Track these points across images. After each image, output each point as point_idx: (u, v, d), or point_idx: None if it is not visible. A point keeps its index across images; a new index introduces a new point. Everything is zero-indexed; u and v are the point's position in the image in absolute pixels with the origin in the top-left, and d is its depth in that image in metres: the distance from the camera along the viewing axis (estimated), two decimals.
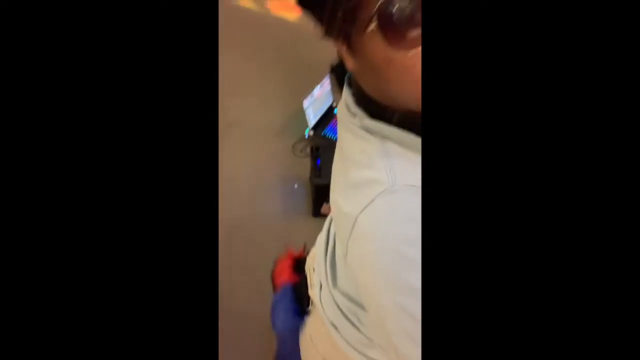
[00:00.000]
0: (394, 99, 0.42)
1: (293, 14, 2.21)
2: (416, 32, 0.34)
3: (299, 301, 0.73)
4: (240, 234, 1.50)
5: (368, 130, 0.46)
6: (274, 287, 0.84)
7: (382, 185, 0.41)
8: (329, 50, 0.44)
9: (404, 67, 0.36)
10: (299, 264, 0.83)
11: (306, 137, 1.66)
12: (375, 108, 0.45)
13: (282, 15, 2.29)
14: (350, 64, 0.42)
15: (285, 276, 0.81)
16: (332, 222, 0.58)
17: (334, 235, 0.58)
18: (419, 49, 0.34)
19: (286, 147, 1.72)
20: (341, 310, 0.57)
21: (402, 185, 0.41)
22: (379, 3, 0.33)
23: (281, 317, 0.74)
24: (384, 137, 0.45)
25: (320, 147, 1.50)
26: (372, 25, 0.35)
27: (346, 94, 0.50)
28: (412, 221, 0.38)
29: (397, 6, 0.33)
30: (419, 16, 0.33)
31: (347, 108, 0.49)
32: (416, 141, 0.44)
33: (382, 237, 0.40)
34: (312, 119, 1.63)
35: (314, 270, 0.66)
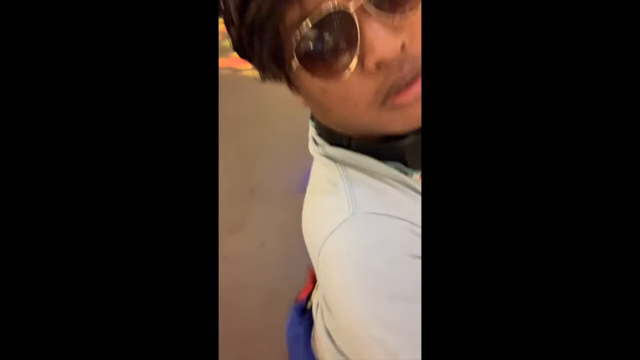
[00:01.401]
0: (343, 126, 0.43)
1: None
2: (338, 61, 0.35)
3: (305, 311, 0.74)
4: (275, 298, 1.47)
5: (330, 157, 0.47)
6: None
7: (343, 214, 0.41)
8: None
9: (338, 95, 0.37)
10: None
11: None
12: (334, 136, 0.47)
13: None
14: (299, 100, 0.44)
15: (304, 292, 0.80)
16: None
17: None
18: (348, 74, 0.34)
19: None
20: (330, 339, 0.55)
21: (363, 213, 0.41)
22: (294, 43, 0.34)
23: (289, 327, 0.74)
24: (345, 163, 0.46)
25: None
26: (294, 64, 0.36)
27: (311, 127, 0.52)
28: (374, 251, 0.39)
29: (311, 43, 0.34)
30: (336, 46, 0.34)
31: (312, 139, 0.51)
32: (375, 165, 0.45)
33: (345, 269, 0.40)
34: None
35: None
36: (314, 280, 0.84)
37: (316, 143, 0.50)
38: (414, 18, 0.33)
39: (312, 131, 0.52)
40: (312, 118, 0.53)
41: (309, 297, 0.74)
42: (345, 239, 0.40)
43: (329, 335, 0.51)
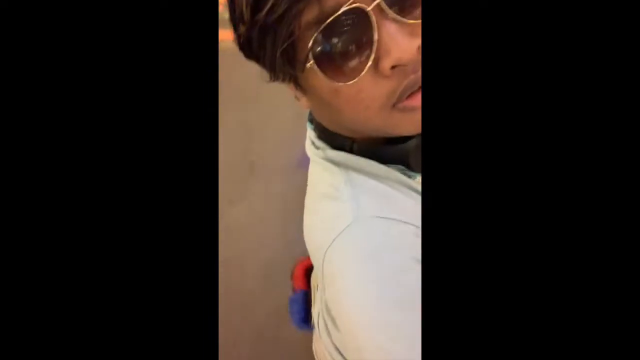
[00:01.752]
0: (350, 129, 0.42)
1: None
2: (353, 62, 0.34)
3: (308, 310, 0.74)
4: (274, 269, 1.49)
5: (332, 161, 0.46)
6: (292, 288, 0.85)
7: (347, 219, 0.40)
8: None
9: (351, 96, 0.36)
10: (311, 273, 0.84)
11: None
12: (336, 139, 0.46)
13: None
14: (303, 102, 0.43)
15: (299, 282, 0.82)
16: None
17: None
18: (362, 75, 0.34)
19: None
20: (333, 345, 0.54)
21: (367, 217, 0.40)
22: (310, 43, 0.34)
23: (295, 319, 0.76)
24: (348, 167, 0.44)
25: None
26: (310, 64, 0.35)
27: (309, 129, 0.51)
28: (379, 256, 0.38)
29: (328, 43, 0.34)
30: (352, 47, 0.34)
31: (311, 142, 0.49)
32: (379, 168, 0.43)
33: (350, 275, 0.38)
34: None
35: (317, 289, 0.64)
36: (305, 274, 0.85)
37: (316, 146, 0.48)
38: None
39: (310, 134, 0.50)
40: (311, 120, 0.51)
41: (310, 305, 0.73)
42: (350, 244, 0.39)
43: (339, 352, 0.50)
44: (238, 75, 2.02)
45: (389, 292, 0.36)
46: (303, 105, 0.44)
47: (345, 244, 0.39)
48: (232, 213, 1.61)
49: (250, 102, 1.97)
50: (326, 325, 0.51)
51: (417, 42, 0.33)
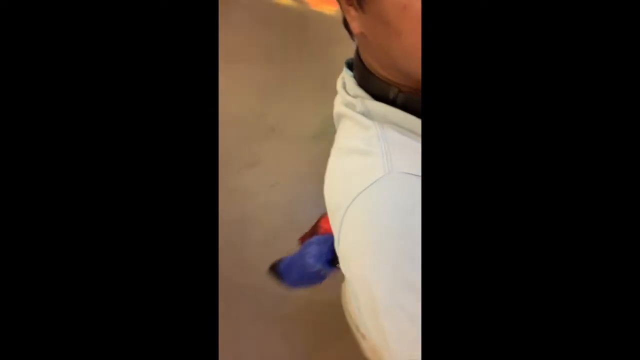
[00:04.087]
0: (403, 67, 0.39)
1: (331, 7, 2.18)
2: None
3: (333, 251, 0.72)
4: (282, 233, 1.51)
5: (368, 114, 0.42)
6: (318, 229, 0.84)
7: (377, 173, 0.38)
8: None
9: (419, 15, 0.33)
10: None
11: None
12: (379, 87, 0.42)
13: (320, 9, 2.26)
14: (357, 25, 0.39)
15: (326, 224, 0.79)
16: None
17: None
18: None
19: (325, 149, 1.71)
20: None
21: (399, 173, 0.38)
22: None
23: (314, 255, 0.74)
24: (384, 122, 0.41)
25: None
26: None
27: (347, 77, 0.47)
28: (407, 212, 0.35)
29: None
30: None
31: (346, 93, 0.46)
32: (418, 124, 0.40)
33: (375, 228, 0.36)
34: None
35: None
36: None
37: (352, 95, 0.45)
38: None
39: (348, 81, 0.46)
40: (350, 67, 0.47)
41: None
42: (377, 198, 0.37)
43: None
44: (263, 35, 1.99)
45: (414, 249, 0.34)
46: (354, 28, 0.40)
47: (372, 197, 0.37)
48: (247, 176, 1.62)
49: (274, 63, 1.95)
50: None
51: None
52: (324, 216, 0.88)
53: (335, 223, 0.42)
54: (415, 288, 0.33)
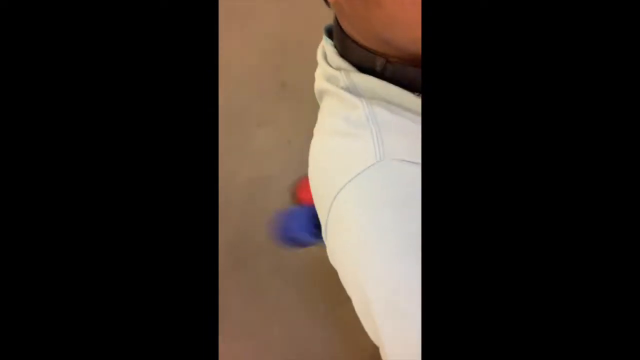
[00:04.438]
0: (387, 35, 0.34)
1: None
2: None
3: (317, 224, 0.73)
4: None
5: (353, 90, 0.38)
6: (295, 199, 0.83)
7: (368, 160, 0.34)
8: None
9: None
10: None
11: None
12: (363, 57, 0.37)
13: None
14: None
15: (309, 195, 0.82)
16: None
17: None
18: None
19: None
20: None
21: (392, 160, 0.34)
22: None
23: (295, 227, 0.72)
24: (372, 98, 0.37)
25: None
26: None
27: (327, 48, 0.41)
28: (402, 205, 0.32)
29: None
30: None
31: (327, 65, 0.40)
32: (410, 100, 0.36)
33: (364, 222, 0.33)
34: None
35: None
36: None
37: (335, 68, 0.40)
38: None
39: (329, 51, 0.41)
40: (330, 37, 0.41)
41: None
42: (368, 189, 0.34)
43: None
44: None
45: (409, 247, 0.31)
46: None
47: (362, 187, 0.34)
48: (260, 135, 1.62)
49: (285, 16, 1.89)
50: None
51: None
52: (300, 184, 0.87)
53: (322, 213, 0.38)
54: (410, 288, 0.31)
